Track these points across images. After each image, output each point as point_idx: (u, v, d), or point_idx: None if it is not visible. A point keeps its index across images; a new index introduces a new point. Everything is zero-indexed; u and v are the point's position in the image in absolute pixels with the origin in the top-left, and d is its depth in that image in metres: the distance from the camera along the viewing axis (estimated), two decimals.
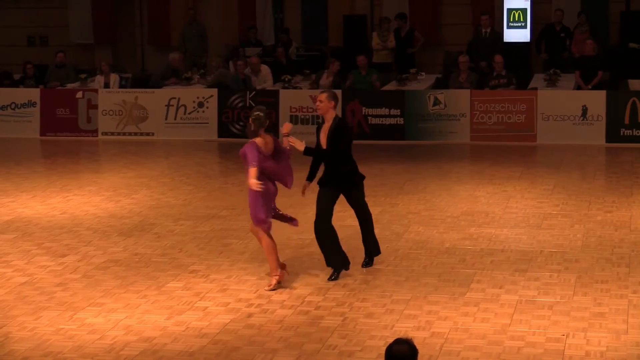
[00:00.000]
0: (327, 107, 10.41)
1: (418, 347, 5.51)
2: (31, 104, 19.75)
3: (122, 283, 10.62)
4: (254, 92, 19.28)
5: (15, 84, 20.59)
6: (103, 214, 13.61)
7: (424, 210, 13.59)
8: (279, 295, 10.12)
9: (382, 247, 11.21)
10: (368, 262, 11.03)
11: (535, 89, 19.05)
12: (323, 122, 10.55)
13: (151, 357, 8.63)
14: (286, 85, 19.73)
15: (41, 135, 19.72)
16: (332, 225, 10.56)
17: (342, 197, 10.71)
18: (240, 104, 19.14)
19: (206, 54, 22.02)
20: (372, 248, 11.03)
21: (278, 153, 10.35)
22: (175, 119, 19.39)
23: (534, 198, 14.23)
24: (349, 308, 9.70)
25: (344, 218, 12.00)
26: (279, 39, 22.88)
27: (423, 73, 20.68)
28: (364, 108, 18.97)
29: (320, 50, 22.79)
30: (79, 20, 23.86)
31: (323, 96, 10.43)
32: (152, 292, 10.29)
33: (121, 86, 20.50)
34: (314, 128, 18.66)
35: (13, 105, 19.74)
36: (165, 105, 19.41)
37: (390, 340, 5.60)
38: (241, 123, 19.03)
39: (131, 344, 8.93)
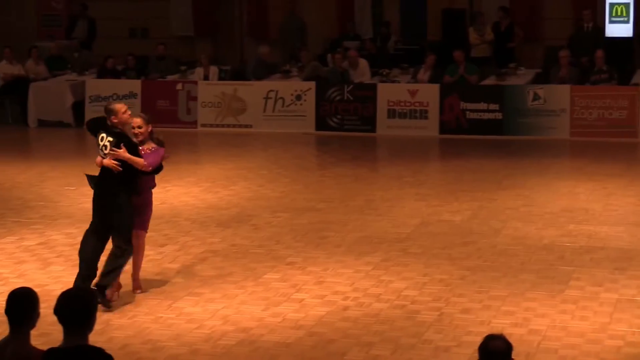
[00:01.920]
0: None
1: (515, 344, 5.47)
2: (132, 95, 20.04)
3: (220, 273, 10.72)
4: (351, 86, 19.29)
5: (117, 75, 20.92)
6: (202, 205, 13.76)
7: (522, 206, 13.44)
8: (375, 289, 10.12)
9: (480, 242, 11.08)
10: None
11: (638, 85, 18.69)
12: None
13: (248, 348, 8.71)
14: (384, 79, 19.69)
15: None
16: None
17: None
18: (337, 97, 19.16)
19: (305, 47, 22.09)
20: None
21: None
22: (273, 111, 19.49)
23: (635, 196, 13.97)
24: (445, 303, 9.66)
25: (440, 213, 11.94)
26: (379, 32, 22.85)
27: (522, 68, 20.46)
28: (462, 102, 18.83)
29: (419, 44, 22.68)
30: (179, 12, 24.13)
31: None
32: (249, 283, 10.37)
33: (220, 78, 20.68)
34: (412, 122, 18.72)
35: (115, 96, 20.04)
36: (264, 98, 19.53)
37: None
38: (338, 116, 19.06)
39: (229, 333, 9.02)
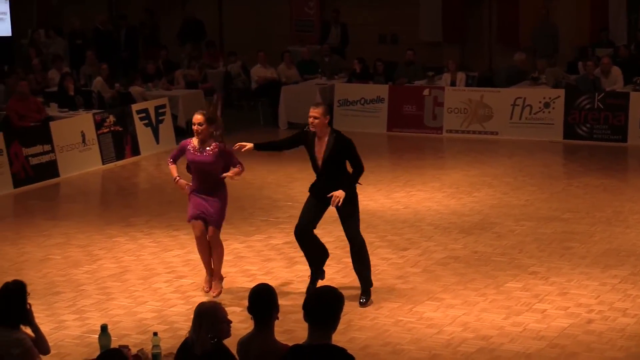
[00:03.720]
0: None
1: None
2: (379, 99, 20.26)
3: (461, 280, 10.68)
4: (602, 94, 18.78)
5: (364, 80, 21.18)
6: (445, 211, 13.74)
7: None
8: (622, 303, 9.82)
9: None
10: (364, 300, 10.00)
11: None
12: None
13: (488, 356, 8.64)
14: (638, 87, 19.06)
15: (388, 130, 20.18)
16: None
17: None
18: (587, 106, 18.70)
19: (556, 54, 21.68)
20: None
21: None
22: (520, 118, 19.23)
23: None
24: None
25: None
26: (635, 38, 22.14)
27: None
28: None
29: None
30: (429, 18, 24.20)
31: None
32: (490, 291, 10.28)
33: (467, 85, 20.60)
34: None
35: (362, 101, 20.34)
36: (511, 105, 19.29)
37: None
38: (588, 125, 18.60)
39: (468, 340, 8.98)
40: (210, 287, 10.13)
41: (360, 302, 9.89)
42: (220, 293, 10.09)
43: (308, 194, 10.23)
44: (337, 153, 9.74)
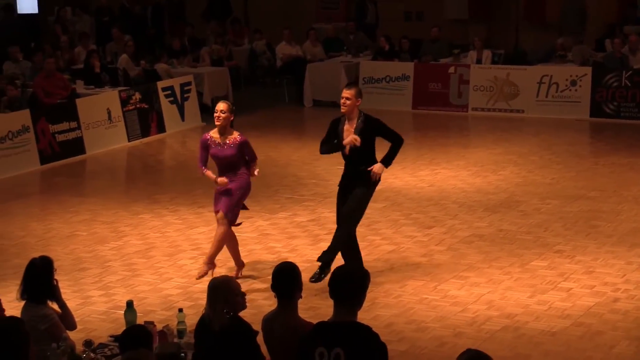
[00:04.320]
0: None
1: None
2: (405, 77, 20.20)
3: (486, 258, 10.67)
4: (630, 72, 18.65)
5: (389, 57, 21.13)
6: (469, 189, 13.71)
7: None
8: None
9: None
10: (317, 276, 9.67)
11: None
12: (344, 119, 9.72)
13: (512, 334, 8.63)
14: None
15: (413, 108, 20.12)
16: None
17: None
18: (615, 84, 18.58)
19: (584, 32, 21.54)
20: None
21: None
22: (546, 96, 19.13)
23: None
24: None
25: None
26: None
27: None
28: None
29: None
30: None
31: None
32: (515, 269, 10.26)
33: (493, 62, 20.51)
34: None
35: (388, 78, 20.29)
36: (537, 83, 19.20)
37: None
38: (615, 103, 18.49)
39: (493, 319, 8.97)
40: (237, 274, 10.11)
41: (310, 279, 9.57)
42: (202, 275, 9.95)
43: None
44: (367, 134, 9.57)
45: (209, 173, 9.96)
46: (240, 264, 10.21)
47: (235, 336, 6.17)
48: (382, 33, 22.38)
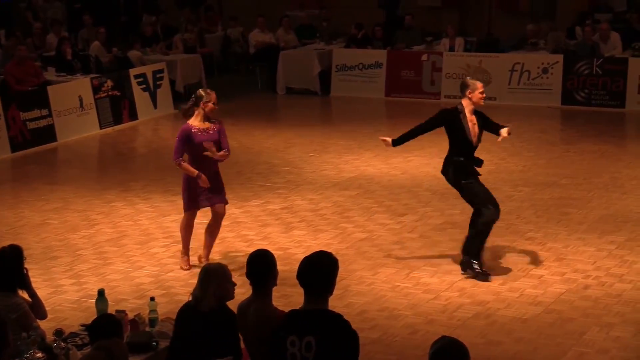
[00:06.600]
0: None
1: None
2: (378, 65, 20.22)
3: (458, 245, 10.63)
4: (601, 59, 18.74)
5: (363, 45, 21.12)
6: (442, 176, 13.68)
7: None
8: (618, 269, 9.84)
9: None
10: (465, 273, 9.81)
11: None
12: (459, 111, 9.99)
13: (484, 321, 8.66)
14: (636, 53, 19.01)
15: (386, 95, 20.14)
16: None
17: None
18: (586, 71, 18.67)
19: (555, 19, 21.61)
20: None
21: None
22: (518, 84, 19.20)
23: None
24: None
25: None
26: (633, 3, 22.05)
27: None
28: None
29: None
30: None
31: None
32: (486, 256, 10.28)
33: (466, 50, 20.54)
34: None
35: (360, 66, 20.30)
36: (509, 70, 19.27)
37: None
38: (586, 90, 18.57)
39: (465, 306, 9.01)
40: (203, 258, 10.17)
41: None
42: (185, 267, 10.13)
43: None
44: (483, 124, 10.08)
45: (188, 166, 9.87)
46: (188, 252, 10.20)
47: (222, 318, 6.30)
48: (354, 20, 22.35)
